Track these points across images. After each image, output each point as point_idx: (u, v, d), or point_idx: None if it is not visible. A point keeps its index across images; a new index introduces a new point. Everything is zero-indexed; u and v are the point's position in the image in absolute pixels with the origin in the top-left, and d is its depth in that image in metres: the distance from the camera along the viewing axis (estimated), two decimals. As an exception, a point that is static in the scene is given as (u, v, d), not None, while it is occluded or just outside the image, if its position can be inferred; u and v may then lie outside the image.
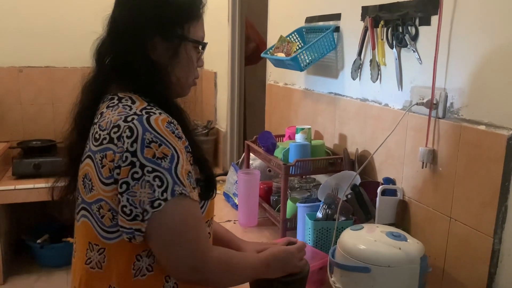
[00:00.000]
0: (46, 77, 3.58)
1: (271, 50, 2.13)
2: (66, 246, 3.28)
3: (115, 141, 0.91)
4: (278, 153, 1.86)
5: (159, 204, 0.89)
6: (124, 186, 0.89)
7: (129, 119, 0.92)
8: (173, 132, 0.92)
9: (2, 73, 3.47)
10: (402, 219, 1.53)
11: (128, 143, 0.89)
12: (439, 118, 1.38)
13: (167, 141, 0.90)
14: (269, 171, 2.19)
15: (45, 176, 3.07)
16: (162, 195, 0.89)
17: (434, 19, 1.38)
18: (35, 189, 3.02)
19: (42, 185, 3.01)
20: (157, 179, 0.89)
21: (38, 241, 3.28)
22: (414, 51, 1.46)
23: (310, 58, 1.94)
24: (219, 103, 3.39)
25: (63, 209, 1.12)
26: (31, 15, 3.48)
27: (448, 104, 1.35)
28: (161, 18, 1.01)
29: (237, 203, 2.05)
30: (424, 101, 1.40)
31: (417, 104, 1.43)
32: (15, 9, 3.43)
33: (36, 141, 3.45)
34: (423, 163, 1.42)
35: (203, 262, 0.94)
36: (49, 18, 3.52)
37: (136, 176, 0.89)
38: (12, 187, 3.00)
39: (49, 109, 3.63)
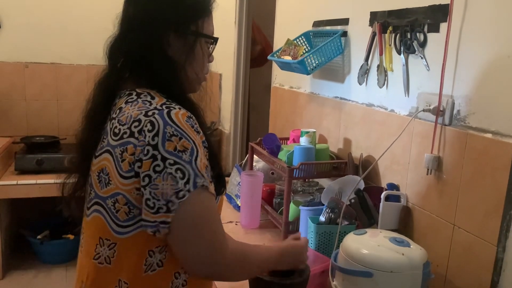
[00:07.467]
0: (51, 73, 3.60)
1: (277, 53, 2.14)
2: (66, 242, 3.29)
3: (136, 134, 0.93)
4: (282, 155, 1.86)
5: (184, 195, 0.90)
6: (147, 179, 0.90)
7: (150, 113, 0.93)
8: (192, 127, 0.94)
9: (8, 68, 3.48)
10: (405, 225, 1.53)
11: (149, 136, 0.91)
12: (445, 125, 1.38)
13: (187, 134, 0.92)
14: (272, 173, 2.19)
15: (47, 172, 3.09)
16: (185, 186, 0.90)
17: (443, 26, 1.38)
18: (37, 184, 3.03)
19: (44, 181, 3.03)
20: (179, 171, 0.90)
21: (38, 237, 3.29)
22: (422, 58, 1.46)
23: (317, 62, 1.94)
24: (223, 105, 3.40)
25: (71, 205, 1.12)
26: (38, 11, 3.49)
27: (455, 111, 1.35)
28: (176, 15, 1.02)
29: (239, 205, 2.04)
30: (431, 107, 1.40)
31: (423, 110, 1.43)
32: (22, 4, 3.45)
33: (40, 137, 3.46)
34: (428, 169, 1.42)
35: (220, 255, 0.94)
36: (56, 14, 3.53)
37: (158, 169, 0.90)
38: (14, 182, 3.01)
39: (54, 105, 3.64)
